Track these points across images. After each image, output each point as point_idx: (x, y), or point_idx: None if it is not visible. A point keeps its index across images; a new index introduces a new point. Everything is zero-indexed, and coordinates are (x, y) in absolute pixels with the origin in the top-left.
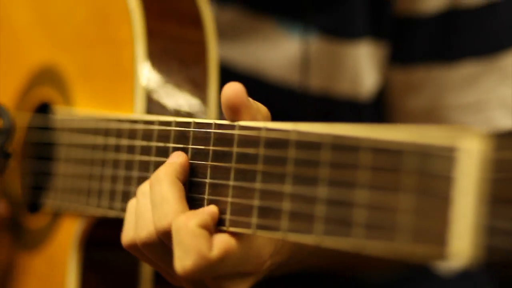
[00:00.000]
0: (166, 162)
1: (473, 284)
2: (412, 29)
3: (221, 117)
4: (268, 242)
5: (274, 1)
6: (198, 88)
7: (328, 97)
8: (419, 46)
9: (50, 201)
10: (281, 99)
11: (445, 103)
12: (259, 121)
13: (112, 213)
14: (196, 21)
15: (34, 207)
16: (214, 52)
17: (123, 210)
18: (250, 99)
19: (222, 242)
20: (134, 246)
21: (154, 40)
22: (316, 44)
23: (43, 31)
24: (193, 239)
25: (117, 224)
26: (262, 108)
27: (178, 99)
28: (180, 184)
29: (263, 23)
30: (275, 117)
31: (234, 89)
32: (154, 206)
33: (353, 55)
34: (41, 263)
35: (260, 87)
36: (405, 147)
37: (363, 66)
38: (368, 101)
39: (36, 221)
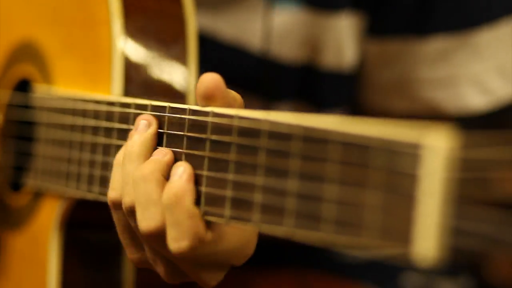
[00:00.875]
0: (150, 159)
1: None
2: (390, 1)
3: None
4: (254, 235)
5: None
6: (176, 66)
7: (312, 69)
8: (395, 18)
9: (31, 181)
10: (265, 70)
11: (417, 76)
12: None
13: (90, 196)
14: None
15: (17, 186)
16: (193, 27)
17: (102, 194)
18: (227, 89)
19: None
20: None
21: (131, 17)
22: (299, 15)
23: (25, 7)
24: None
25: (98, 205)
26: (237, 97)
27: (156, 78)
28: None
29: None
30: (259, 90)
31: (212, 77)
32: (139, 205)
33: (335, 26)
34: (23, 242)
35: (244, 58)
36: (373, 143)
37: (344, 38)
38: (350, 73)
39: (18, 200)
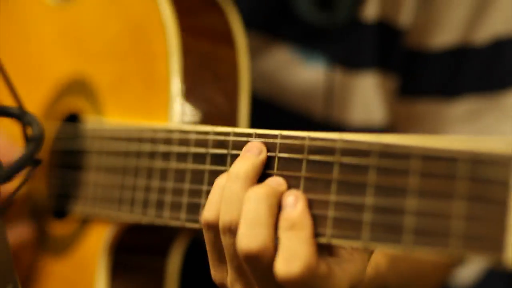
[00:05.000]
0: (266, 184)
1: None
2: (421, 63)
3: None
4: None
5: (290, 28)
6: (229, 101)
7: (339, 128)
8: (426, 80)
9: (80, 208)
10: (297, 126)
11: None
12: None
13: (145, 219)
14: (228, 39)
15: (61, 214)
16: (245, 67)
17: (158, 216)
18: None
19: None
20: (213, 225)
21: (188, 54)
22: (327, 73)
23: (72, 44)
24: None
25: (146, 229)
26: None
27: (211, 113)
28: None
29: (278, 48)
30: None
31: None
32: (244, 222)
33: (361, 85)
34: (68, 268)
35: (275, 112)
36: (459, 155)
37: (372, 97)
38: (379, 131)
39: (62, 228)
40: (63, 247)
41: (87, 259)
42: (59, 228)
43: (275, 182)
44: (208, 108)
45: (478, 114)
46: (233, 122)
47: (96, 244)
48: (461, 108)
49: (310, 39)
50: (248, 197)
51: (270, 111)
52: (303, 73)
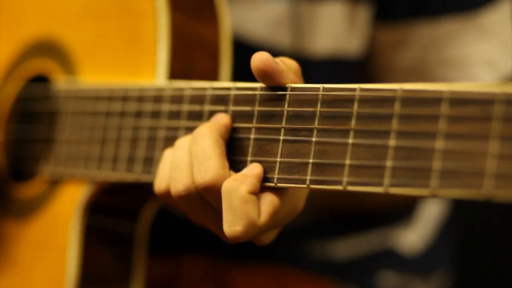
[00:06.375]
0: (210, 121)
1: (433, 263)
2: None
3: None
4: (304, 193)
5: None
6: (213, 64)
7: (303, 56)
8: (401, 3)
9: (49, 168)
10: None
11: (429, 58)
12: (292, 78)
13: (130, 176)
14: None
15: (21, 176)
16: (227, 30)
17: (145, 172)
18: (277, 60)
19: (269, 205)
20: (167, 194)
21: (175, 15)
22: (290, 4)
23: (45, 4)
24: (244, 206)
25: (121, 192)
26: (292, 65)
27: (195, 75)
28: (223, 142)
29: None
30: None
31: (261, 58)
32: (195, 160)
33: (327, 14)
34: (37, 230)
35: (243, 48)
36: (494, 97)
37: (341, 26)
38: (354, 60)
39: (27, 190)
40: (30, 209)
41: (58, 220)
42: (23, 191)
43: (218, 117)
44: (193, 70)
45: (458, 34)
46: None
47: (68, 205)
48: (441, 29)
49: None
50: (194, 137)
51: (239, 48)
52: (267, 6)
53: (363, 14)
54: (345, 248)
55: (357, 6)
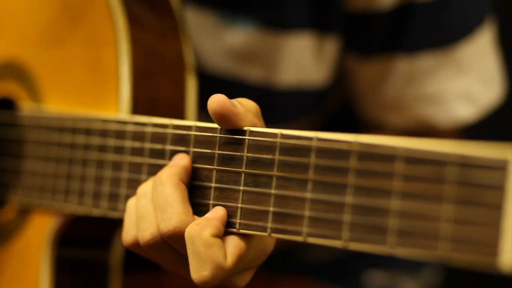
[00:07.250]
0: (169, 164)
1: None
2: (367, 23)
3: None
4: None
5: None
6: (177, 89)
7: (268, 87)
8: (378, 37)
9: (18, 198)
10: (221, 89)
11: (408, 93)
12: (251, 119)
13: (97, 211)
14: (173, 28)
15: None
16: (191, 55)
17: (111, 209)
18: (235, 102)
19: (235, 247)
20: (136, 245)
21: (137, 42)
22: (255, 35)
23: (6, 27)
24: (209, 250)
25: (89, 222)
26: (250, 106)
27: (159, 101)
28: (184, 187)
29: (205, 17)
30: None
31: (217, 100)
32: (158, 208)
33: (293, 46)
34: (10, 259)
35: (205, 78)
36: (448, 158)
37: (307, 57)
38: (319, 90)
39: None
40: (2, 237)
41: (29, 251)
42: None
43: (177, 159)
44: (156, 95)
45: (435, 70)
46: (181, 108)
47: (38, 235)
48: (418, 64)
49: (236, 3)
50: (155, 184)
51: (203, 79)
52: (229, 37)
53: (331, 47)
54: (331, 248)
55: (325, 39)
